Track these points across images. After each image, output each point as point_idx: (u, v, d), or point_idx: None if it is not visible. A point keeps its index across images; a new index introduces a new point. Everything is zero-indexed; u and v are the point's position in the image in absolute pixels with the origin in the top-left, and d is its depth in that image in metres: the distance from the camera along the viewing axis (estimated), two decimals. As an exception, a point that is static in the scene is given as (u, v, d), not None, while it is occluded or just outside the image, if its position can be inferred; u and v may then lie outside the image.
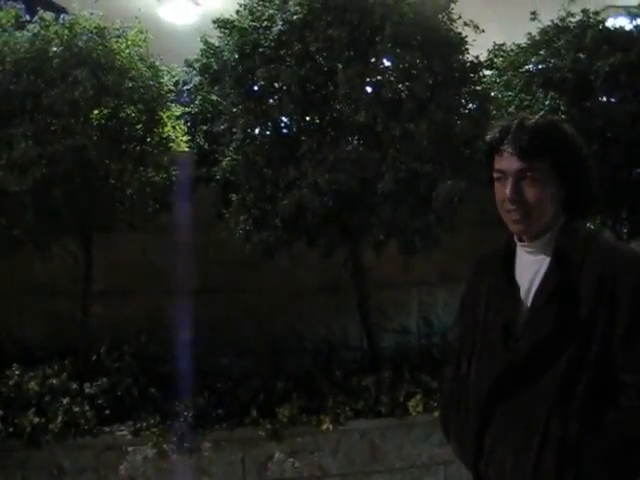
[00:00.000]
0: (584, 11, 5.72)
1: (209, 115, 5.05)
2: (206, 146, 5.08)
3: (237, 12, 5.03)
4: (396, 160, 4.43)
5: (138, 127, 5.18)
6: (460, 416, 2.11)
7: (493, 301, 2.08)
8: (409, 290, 6.29)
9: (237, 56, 4.61)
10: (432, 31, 4.55)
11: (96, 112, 4.95)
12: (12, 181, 4.48)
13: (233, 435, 4.81)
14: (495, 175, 1.98)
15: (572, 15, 5.72)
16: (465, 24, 4.74)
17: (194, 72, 5.26)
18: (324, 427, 4.71)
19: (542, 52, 5.45)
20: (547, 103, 5.29)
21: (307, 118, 4.66)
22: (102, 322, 5.65)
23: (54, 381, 4.93)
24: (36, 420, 4.63)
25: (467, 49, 4.65)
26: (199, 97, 5.09)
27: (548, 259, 1.96)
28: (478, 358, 2.09)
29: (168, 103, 5.45)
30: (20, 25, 5.21)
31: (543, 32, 5.68)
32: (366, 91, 4.55)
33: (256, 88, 4.67)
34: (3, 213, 4.64)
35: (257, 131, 4.74)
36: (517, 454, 1.90)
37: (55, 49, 4.97)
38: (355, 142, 4.54)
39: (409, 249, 4.67)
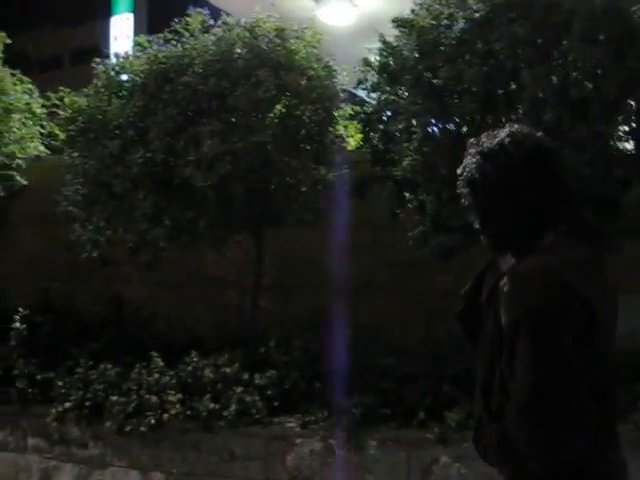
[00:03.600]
0: None
1: (386, 114, 5.04)
2: (381, 145, 5.09)
3: (412, 11, 5.01)
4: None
5: (314, 125, 5.29)
6: None
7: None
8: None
9: (417, 55, 4.58)
10: (626, 24, 4.30)
11: (276, 111, 5.09)
12: (199, 176, 4.70)
13: (399, 435, 4.78)
14: None
15: None
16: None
17: (370, 71, 5.27)
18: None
19: None
20: None
21: (489, 119, 4.54)
22: (269, 316, 5.81)
23: (227, 370, 5.12)
24: (211, 406, 4.84)
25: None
26: (375, 96, 5.11)
27: None
28: None
29: (341, 103, 5.57)
30: (205, 29, 5.48)
31: None
32: (551, 91, 4.36)
33: (436, 87, 4.60)
34: (190, 207, 4.88)
35: (436, 130, 4.68)
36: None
37: (239, 51, 5.19)
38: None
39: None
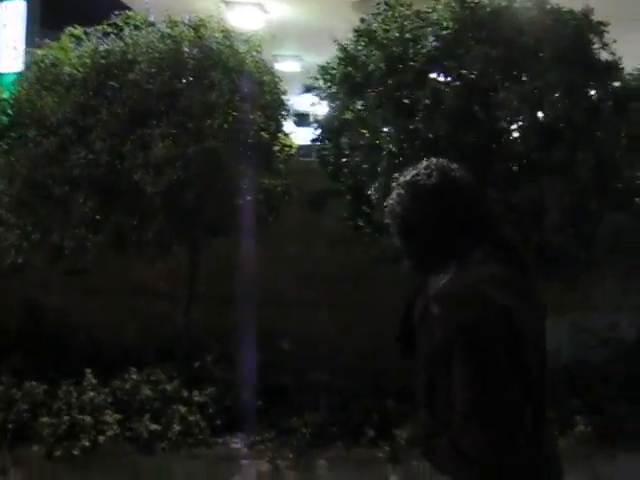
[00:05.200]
0: None
1: (343, 125, 4.90)
2: (332, 158, 4.97)
3: (362, 20, 4.93)
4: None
5: (263, 133, 5.10)
6: None
7: None
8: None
9: (383, 68, 4.49)
10: (583, 54, 4.44)
11: (228, 115, 4.86)
12: (148, 182, 4.40)
13: (349, 454, 4.69)
14: None
15: None
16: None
17: (320, 80, 5.12)
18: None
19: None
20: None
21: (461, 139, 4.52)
22: (203, 328, 5.55)
23: (167, 387, 4.83)
24: (153, 427, 4.54)
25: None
26: (331, 106, 4.97)
27: None
28: None
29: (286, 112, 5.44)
30: (150, 25, 5.17)
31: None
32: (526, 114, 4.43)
33: (407, 104, 4.52)
34: (135, 213, 4.55)
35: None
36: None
37: (187, 49, 4.92)
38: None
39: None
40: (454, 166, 2.18)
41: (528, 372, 2.03)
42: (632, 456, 4.65)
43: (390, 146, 4.36)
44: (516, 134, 4.72)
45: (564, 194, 4.32)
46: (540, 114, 4.59)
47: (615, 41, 4.46)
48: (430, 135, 4.27)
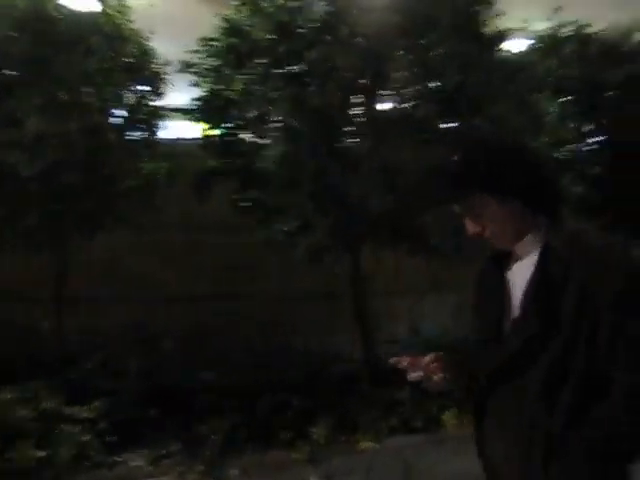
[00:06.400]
0: (572, 22, 5.83)
1: (228, 100, 4.46)
2: (218, 136, 4.51)
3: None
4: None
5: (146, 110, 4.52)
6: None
7: (486, 300, 2.15)
8: (400, 298, 6.07)
9: (273, 37, 4.14)
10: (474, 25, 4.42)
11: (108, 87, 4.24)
12: (22, 162, 3.68)
13: (264, 459, 4.29)
14: None
15: (564, 26, 5.84)
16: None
17: (206, 53, 4.64)
18: (364, 446, 4.33)
19: (550, 60, 5.48)
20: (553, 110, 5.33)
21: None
22: (77, 333, 4.87)
23: (47, 404, 4.12)
24: (38, 454, 3.83)
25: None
26: (213, 79, 4.49)
27: (530, 264, 2.02)
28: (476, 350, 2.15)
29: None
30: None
31: (541, 39, 5.76)
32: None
33: (298, 72, 4.20)
34: (4, 202, 3.81)
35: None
36: (507, 442, 2.03)
37: (54, 12, 4.22)
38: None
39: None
40: None
41: None
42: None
43: (280, 118, 4.05)
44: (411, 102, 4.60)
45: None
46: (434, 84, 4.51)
47: (504, 13, 4.49)
48: (321, 104, 4.02)
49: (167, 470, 4.12)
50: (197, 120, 4.74)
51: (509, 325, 2.05)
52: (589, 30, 5.52)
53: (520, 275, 2.06)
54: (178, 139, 4.96)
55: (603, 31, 5.55)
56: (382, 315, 5.87)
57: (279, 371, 5.22)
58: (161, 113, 4.70)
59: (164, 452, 4.16)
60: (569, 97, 5.36)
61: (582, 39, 5.63)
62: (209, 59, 4.61)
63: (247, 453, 4.30)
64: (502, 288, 2.10)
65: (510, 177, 1.99)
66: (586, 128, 5.41)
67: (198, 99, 4.70)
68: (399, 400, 4.67)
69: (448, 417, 4.57)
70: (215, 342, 5.26)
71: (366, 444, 4.34)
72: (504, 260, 2.16)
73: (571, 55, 5.46)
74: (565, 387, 1.92)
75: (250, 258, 5.06)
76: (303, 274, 5.50)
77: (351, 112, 4.25)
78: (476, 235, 2.04)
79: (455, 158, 2.03)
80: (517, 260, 2.09)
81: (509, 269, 2.14)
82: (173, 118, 4.93)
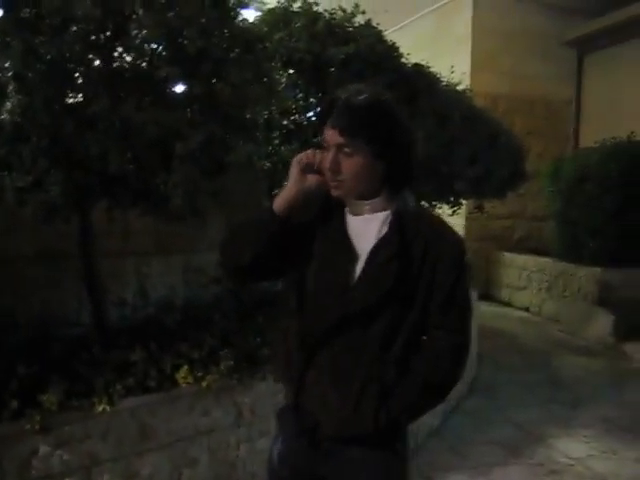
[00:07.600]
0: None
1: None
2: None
3: None
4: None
5: None
6: (287, 351, 2.33)
7: (326, 249, 2.27)
8: (126, 260, 5.98)
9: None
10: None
11: None
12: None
13: (-8, 432, 4.01)
14: (323, 143, 2.22)
15: (294, 1, 6.15)
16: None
17: None
18: (99, 410, 4.28)
19: (281, 33, 5.74)
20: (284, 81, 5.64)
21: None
22: None
23: None
24: None
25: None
26: None
27: (379, 221, 2.21)
28: (311, 300, 2.28)
29: None
30: None
31: (273, 12, 6.00)
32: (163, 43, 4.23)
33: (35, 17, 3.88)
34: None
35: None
36: (341, 394, 2.19)
37: None
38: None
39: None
40: None
41: None
42: (266, 384, 5.00)
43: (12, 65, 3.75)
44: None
45: (202, 124, 4.27)
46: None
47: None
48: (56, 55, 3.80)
49: None
50: None
51: (357, 278, 2.14)
52: (317, 9, 5.90)
53: (367, 230, 2.17)
54: None
55: (332, 12, 5.96)
56: (110, 276, 5.75)
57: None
58: None
59: None
60: (297, 70, 5.68)
61: (311, 16, 5.99)
62: None
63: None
64: (346, 238, 2.20)
65: (392, 138, 2.11)
66: (310, 100, 5.79)
67: None
68: (132, 361, 4.66)
69: (181, 375, 4.67)
70: None
71: (101, 407, 4.27)
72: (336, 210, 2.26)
73: (300, 30, 5.76)
74: (398, 342, 2.11)
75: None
76: (28, 233, 5.17)
77: (89, 68, 4.03)
78: (331, 171, 2.11)
79: (364, 97, 2.09)
80: (357, 214, 2.21)
81: (346, 221, 2.25)
82: None
